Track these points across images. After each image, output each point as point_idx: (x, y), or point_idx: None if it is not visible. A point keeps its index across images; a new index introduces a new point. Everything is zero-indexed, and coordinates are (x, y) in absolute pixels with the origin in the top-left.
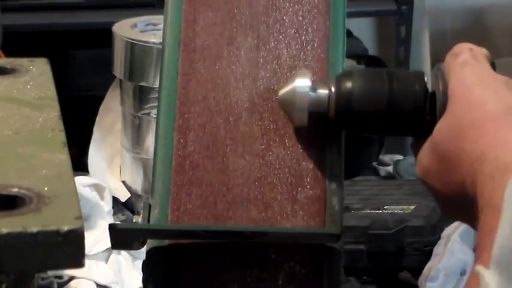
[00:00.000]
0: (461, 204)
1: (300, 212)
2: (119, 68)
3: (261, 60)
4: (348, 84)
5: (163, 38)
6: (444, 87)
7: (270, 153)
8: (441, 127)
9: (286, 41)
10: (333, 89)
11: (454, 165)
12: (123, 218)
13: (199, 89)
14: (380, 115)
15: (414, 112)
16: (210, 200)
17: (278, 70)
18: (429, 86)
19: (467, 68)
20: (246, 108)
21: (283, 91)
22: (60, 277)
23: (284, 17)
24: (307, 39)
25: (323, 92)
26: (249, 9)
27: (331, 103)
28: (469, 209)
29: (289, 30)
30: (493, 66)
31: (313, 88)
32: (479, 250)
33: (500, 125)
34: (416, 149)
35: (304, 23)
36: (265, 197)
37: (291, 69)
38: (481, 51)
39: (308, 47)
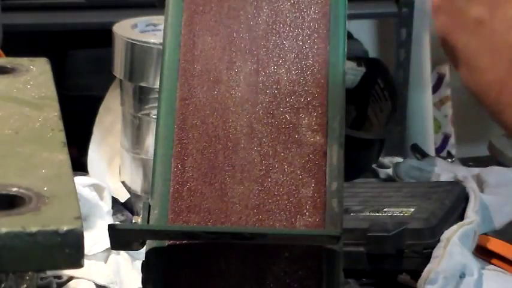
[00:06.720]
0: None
1: None
2: (119, 68)
3: (261, 85)
4: None
5: (164, 38)
6: None
7: (269, 179)
8: None
9: (286, 66)
10: None
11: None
12: (122, 218)
13: (197, 114)
14: None
15: None
16: None
17: (277, 95)
18: None
19: None
20: (244, 133)
21: None
22: (59, 277)
23: (284, 42)
24: (307, 64)
25: None
26: (249, 34)
27: None
28: None
29: (289, 55)
30: None
31: None
32: None
33: None
34: None
35: (304, 47)
36: (263, 225)
37: (290, 94)
38: None
39: (308, 72)
